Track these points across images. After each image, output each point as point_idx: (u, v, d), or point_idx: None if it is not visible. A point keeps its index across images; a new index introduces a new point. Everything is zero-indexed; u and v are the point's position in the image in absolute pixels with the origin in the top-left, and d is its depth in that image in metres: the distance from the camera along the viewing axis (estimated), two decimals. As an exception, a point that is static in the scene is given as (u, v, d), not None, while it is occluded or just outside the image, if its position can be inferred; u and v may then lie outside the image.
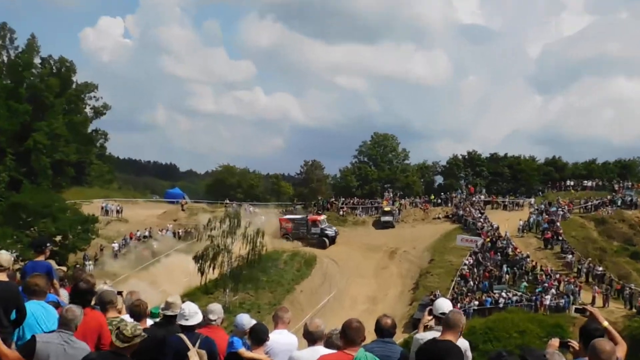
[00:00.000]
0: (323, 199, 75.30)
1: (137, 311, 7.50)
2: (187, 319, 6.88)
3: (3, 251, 7.26)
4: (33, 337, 6.20)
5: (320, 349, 6.39)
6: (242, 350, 6.93)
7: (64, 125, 76.07)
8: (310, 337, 6.58)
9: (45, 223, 52.39)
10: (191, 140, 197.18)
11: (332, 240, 58.98)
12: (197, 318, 6.96)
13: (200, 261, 46.18)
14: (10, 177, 69.35)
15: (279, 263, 53.05)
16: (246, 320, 7.48)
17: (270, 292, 48.62)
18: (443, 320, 6.27)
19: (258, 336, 7.03)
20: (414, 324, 38.75)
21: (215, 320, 7.28)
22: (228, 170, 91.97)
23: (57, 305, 7.42)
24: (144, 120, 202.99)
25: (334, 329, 6.83)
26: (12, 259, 7.46)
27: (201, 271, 45.99)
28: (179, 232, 62.77)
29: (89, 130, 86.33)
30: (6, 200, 58.79)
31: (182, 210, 71.85)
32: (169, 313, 7.18)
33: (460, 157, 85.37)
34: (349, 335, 5.90)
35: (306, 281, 51.03)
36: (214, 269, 46.57)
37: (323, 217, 62.20)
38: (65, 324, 6.22)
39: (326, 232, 59.00)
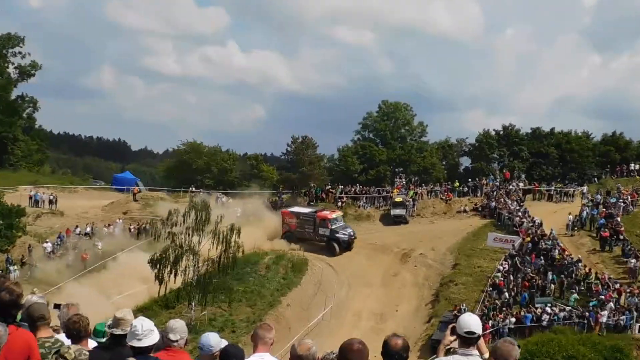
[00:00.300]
0: (316, 186, 75.35)
1: (76, 329, 7.44)
2: (139, 339, 6.86)
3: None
4: None
5: None
6: None
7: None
8: None
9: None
10: (147, 110, 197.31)
11: (347, 245, 58.58)
12: (153, 338, 6.94)
13: (158, 266, 46.17)
14: None
15: (260, 268, 53.18)
16: (214, 340, 7.43)
17: (249, 305, 48.72)
18: (491, 351, 6.29)
19: None
20: (432, 347, 38.94)
21: (176, 342, 7.27)
22: (194, 149, 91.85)
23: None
24: (85, 85, 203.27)
25: (330, 352, 6.85)
26: None
27: (159, 279, 46.02)
28: (130, 229, 62.79)
29: (13, 96, 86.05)
30: None
31: (135, 200, 71.86)
32: (117, 332, 7.17)
33: (493, 133, 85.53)
34: None
35: (295, 292, 51.16)
36: (175, 275, 46.59)
37: (337, 213, 61.59)
38: None
39: (337, 234, 58.58)
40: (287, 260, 54.72)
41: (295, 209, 63.26)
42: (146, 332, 6.89)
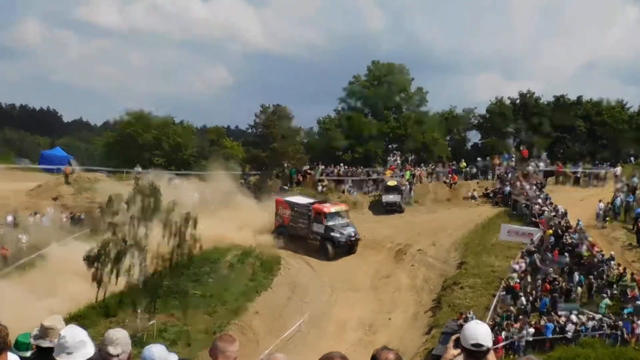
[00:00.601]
0: (291, 167, 75.32)
1: None
2: (69, 353, 6.85)
3: None
4: None
5: None
6: None
7: None
8: None
9: None
10: (82, 73, 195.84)
11: (345, 247, 58.08)
12: (86, 352, 6.94)
13: (95, 264, 46.03)
14: None
15: (222, 267, 53.22)
16: (159, 354, 7.37)
17: (208, 313, 48.70)
18: None
19: None
20: (433, 364, 39.18)
21: (117, 356, 7.21)
22: (140, 121, 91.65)
23: None
24: (3, 42, 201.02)
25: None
26: None
27: (97, 280, 45.92)
28: (63, 218, 62.55)
29: None
30: None
31: (67, 182, 71.62)
32: (45, 344, 7.16)
33: (508, 102, 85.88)
34: None
35: (265, 296, 51.36)
36: (117, 276, 46.43)
37: (338, 207, 61.02)
38: None
39: (332, 233, 58.06)
40: (256, 257, 54.87)
41: (292, 198, 62.75)
42: (77, 345, 6.86)
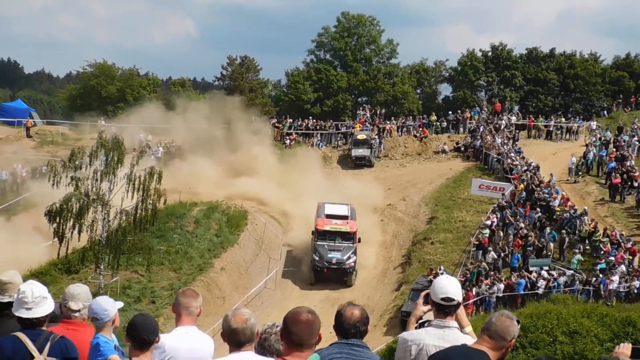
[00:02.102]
0: (257, 118, 75.08)
1: None
2: (28, 308, 6.74)
3: None
4: None
5: (249, 357, 6.38)
6: (114, 358, 6.85)
7: None
8: (234, 339, 6.39)
9: None
10: (43, 23, 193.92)
11: (329, 275, 50.29)
12: (46, 307, 6.82)
13: (57, 219, 45.80)
14: None
15: (187, 223, 53.18)
16: (107, 303, 7.33)
17: (173, 270, 48.80)
18: (484, 326, 6.30)
19: (138, 335, 6.75)
20: (402, 321, 39.15)
21: (78, 311, 7.20)
22: (103, 72, 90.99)
23: None
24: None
25: (272, 323, 6.82)
26: None
27: (59, 236, 45.71)
28: (22, 172, 62.19)
29: None
30: None
31: (29, 136, 71.18)
32: (4, 300, 7.06)
33: (479, 54, 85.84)
34: (296, 334, 5.88)
35: (231, 252, 51.43)
36: (80, 232, 46.18)
37: (336, 226, 51.56)
38: None
39: (314, 254, 50.45)
40: (222, 212, 54.75)
41: (329, 205, 54.01)
42: (37, 300, 6.75)
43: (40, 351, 6.53)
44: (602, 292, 41.10)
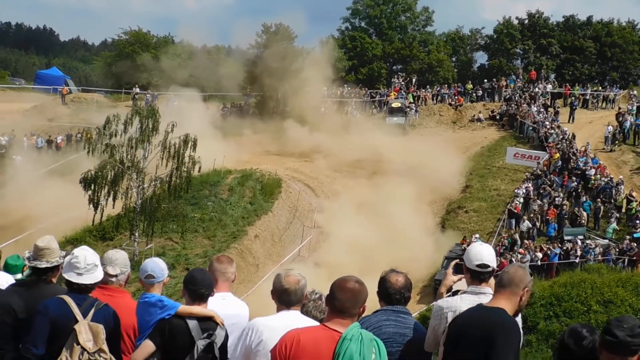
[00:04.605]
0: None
1: None
2: (79, 274, 6.79)
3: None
4: None
5: (297, 317, 6.44)
6: (185, 308, 6.79)
7: None
8: (285, 298, 6.55)
9: None
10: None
11: None
12: (96, 275, 6.89)
13: (92, 187, 45.88)
14: None
15: (221, 191, 53.34)
16: (162, 264, 7.43)
17: (207, 237, 48.96)
18: (497, 280, 6.31)
19: (196, 289, 6.87)
20: (435, 290, 39.04)
21: (115, 277, 7.23)
22: (138, 39, 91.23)
23: None
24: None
25: (312, 290, 6.88)
26: None
27: (94, 203, 45.73)
28: (56, 140, 62.46)
29: None
30: None
31: (64, 103, 71.37)
32: (41, 265, 7.07)
33: (516, 22, 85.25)
34: (339, 301, 5.90)
35: (264, 220, 51.48)
36: (114, 199, 46.28)
37: None
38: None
39: None
40: (256, 180, 54.83)
41: None
42: (89, 267, 6.83)
43: (84, 316, 6.58)
44: (635, 262, 40.90)
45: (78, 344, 6.46)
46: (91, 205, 45.65)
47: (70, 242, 41.44)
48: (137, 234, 46.68)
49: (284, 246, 49.13)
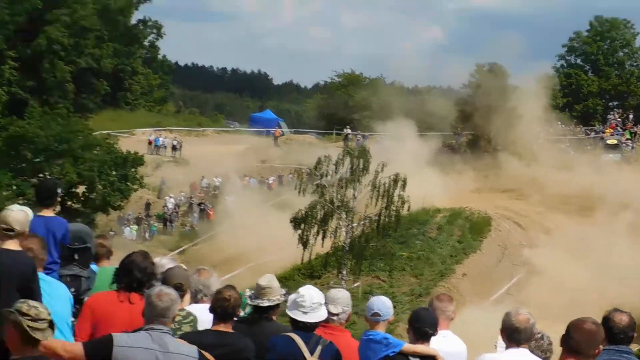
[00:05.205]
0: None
1: (222, 307, 7.00)
2: (305, 313, 7.03)
3: (15, 206, 7.67)
4: (110, 336, 6.20)
5: (526, 355, 6.52)
6: (409, 346, 6.96)
7: (93, 14, 77.36)
8: (515, 337, 6.55)
9: (61, 165, 54.12)
10: (293, 35, 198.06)
11: None
12: (320, 314, 7.11)
13: (302, 226, 46.79)
14: (10, 95, 71.45)
15: (430, 229, 53.44)
16: (388, 302, 7.53)
17: (414, 275, 48.94)
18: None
19: (421, 327, 7.03)
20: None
21: (337, 316, 7.43)
22: (351, 81, 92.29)
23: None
24: (218, 5, 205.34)
25: (538, 332, 6.92)
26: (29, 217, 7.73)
27: (303, 242, 46.61)
28: (268, 181, 63.74)
29: (133, 21, 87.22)
30: (3, 130, 60.01)
31: (276, 145, 72.81)
32: (263, 303, 7.35)
33: None
34: (575, 341, 6.05)
35: (473, 258, 51.15)
36: (323, 238, 47.02)
37: None
38: (156, 315, 6.23)
39: None
40: (465, 219, 54.72)
41: None
42: (315, 306, 7.07)
43: (312, 353, 6.81)
44: None
45: (308, 381, 6.70)
46: (300, 244, 46.47)
47: (279, 280, 42.07)
48: (344, 272, 47.01)
49: (492, 284, 48.57)
